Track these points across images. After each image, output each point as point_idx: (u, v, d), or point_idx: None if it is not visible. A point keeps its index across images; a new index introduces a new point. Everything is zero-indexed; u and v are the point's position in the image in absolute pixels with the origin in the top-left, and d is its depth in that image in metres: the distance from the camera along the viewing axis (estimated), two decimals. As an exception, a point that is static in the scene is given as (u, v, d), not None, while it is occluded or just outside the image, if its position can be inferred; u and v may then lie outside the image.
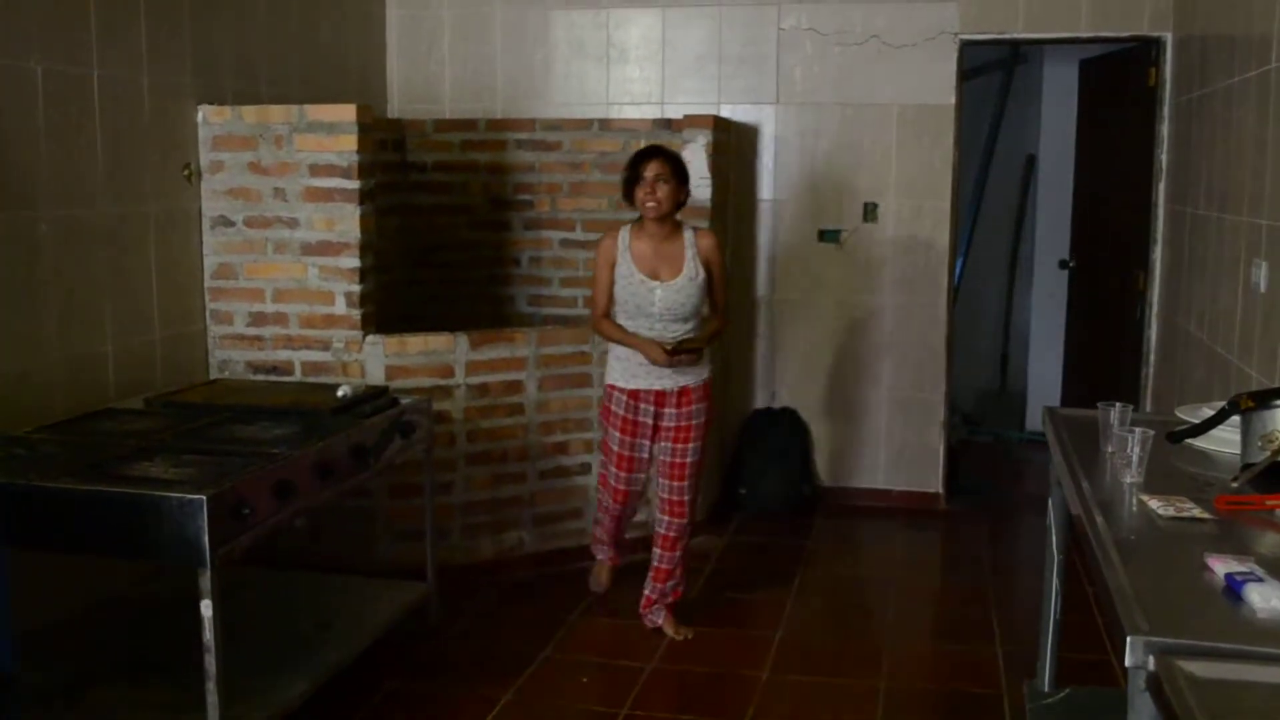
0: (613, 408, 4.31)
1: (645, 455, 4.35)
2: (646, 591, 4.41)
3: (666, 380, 4.23)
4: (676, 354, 4.14)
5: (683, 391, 4.25)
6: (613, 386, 4.30)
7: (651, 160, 4.12)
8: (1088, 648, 4.08)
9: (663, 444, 4.29)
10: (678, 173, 4.15)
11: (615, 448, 4.33)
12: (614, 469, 4.36)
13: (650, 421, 4.29)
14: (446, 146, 5.82)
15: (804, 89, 5.85)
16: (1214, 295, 4.44)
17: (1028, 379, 7.76)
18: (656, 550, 4.38)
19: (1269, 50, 3.79)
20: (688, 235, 4.23)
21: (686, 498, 4.32)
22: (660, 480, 4.34)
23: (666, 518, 4.34)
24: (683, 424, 4.27)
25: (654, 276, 4.16)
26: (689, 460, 4.29)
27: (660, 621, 4.37)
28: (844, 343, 5.99)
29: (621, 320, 4.23)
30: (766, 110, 5.91)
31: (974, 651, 4.27)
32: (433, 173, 5.83)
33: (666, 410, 4.26)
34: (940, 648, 4.42)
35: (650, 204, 4.11)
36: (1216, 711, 1.54)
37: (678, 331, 4.19)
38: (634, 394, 4.26)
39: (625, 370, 4.26)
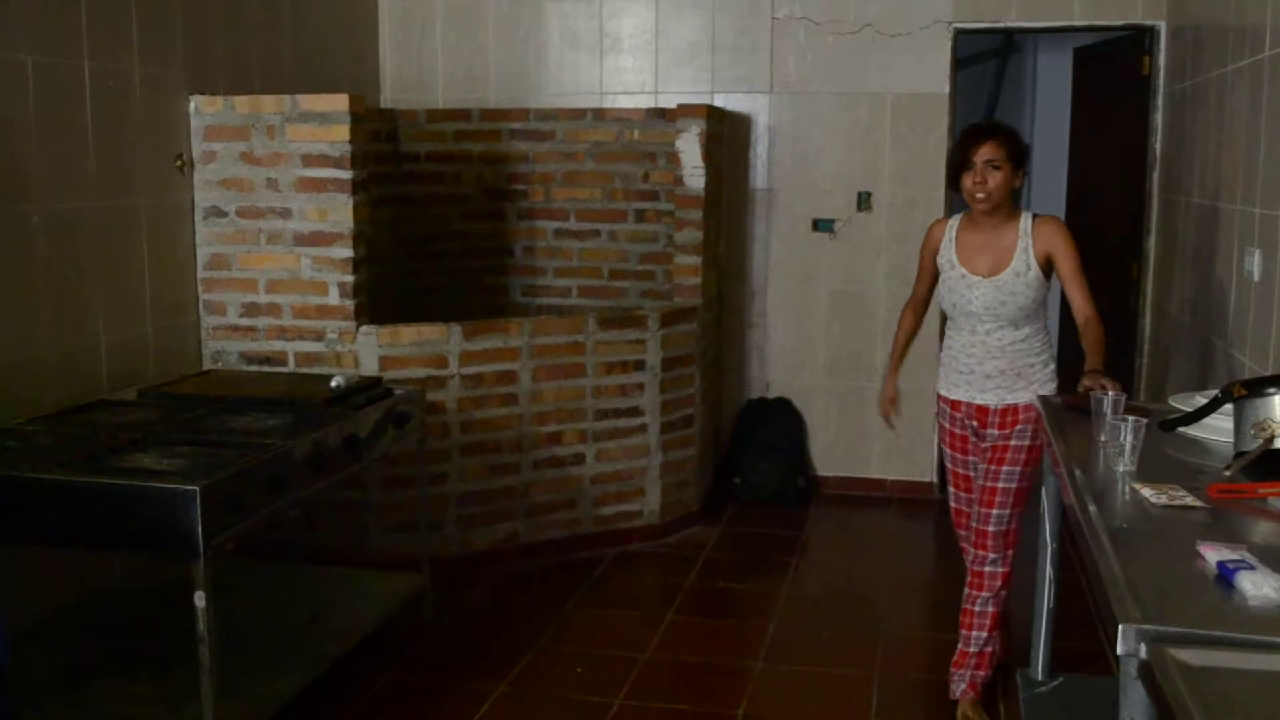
0: (940, 420, 3.83)
1: (975, 477, 3.73)
2: (960, 646, 3.78)
3: (990, 394, 3.62)
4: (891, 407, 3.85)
5: (1008, 410, 3.61)
6: (938, 395, 3.81)
7: (984, 143, 3.49)
8: (1081, 636, 4.08)
9: (981, 466, 3.68)
10: (1014, 155, 3.52)
11: (949, 465, 3.81)
12: (951, 489, 3.83)
13: (973, 435, 3.71)
14: (440, 136, 5.80)
15: (798, 78, 5.85)
16: (1207, 284, 4.44)
17: (1022, 368, 7.77)
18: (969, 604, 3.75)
19: (1262, 39, 3.78)
20: (1024, 223, 3.56)
21: (992, 528, 3.59)
22: (967, 525, 3.74)
23: (973, 551, 3.68)
24: (1000, 444, 3.61)
25: (976, 271, 3.58)
26: (1000, 485, 3.58)
27: (957, 695, 3.75)
28: (838, 332, 5.99)
29: (950, 320, 3.76)
30: (760, 99, 5.90)
31: (968, 640, 4.27)
32: (426, 163, 5.81)
33: (988, 431, 3.64)
34: (934, 636, 4.42)
35: (980, 195, 3.50)
36: (1208, 699, 1.55)
37: (1005, 339, 3.57)
38: (955, 404, 3.72)
39: (945, 376, 3.76)
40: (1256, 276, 3.71)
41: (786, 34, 5.83)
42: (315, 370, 4.50)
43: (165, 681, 3.36)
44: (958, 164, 3.56)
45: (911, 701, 3.89)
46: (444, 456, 4.70)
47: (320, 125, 4.42)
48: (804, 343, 6.03)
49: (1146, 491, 2.44)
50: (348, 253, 4.47)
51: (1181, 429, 2.88)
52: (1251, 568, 1.95)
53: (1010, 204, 3.56)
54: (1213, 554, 2.04)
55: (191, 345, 4.57)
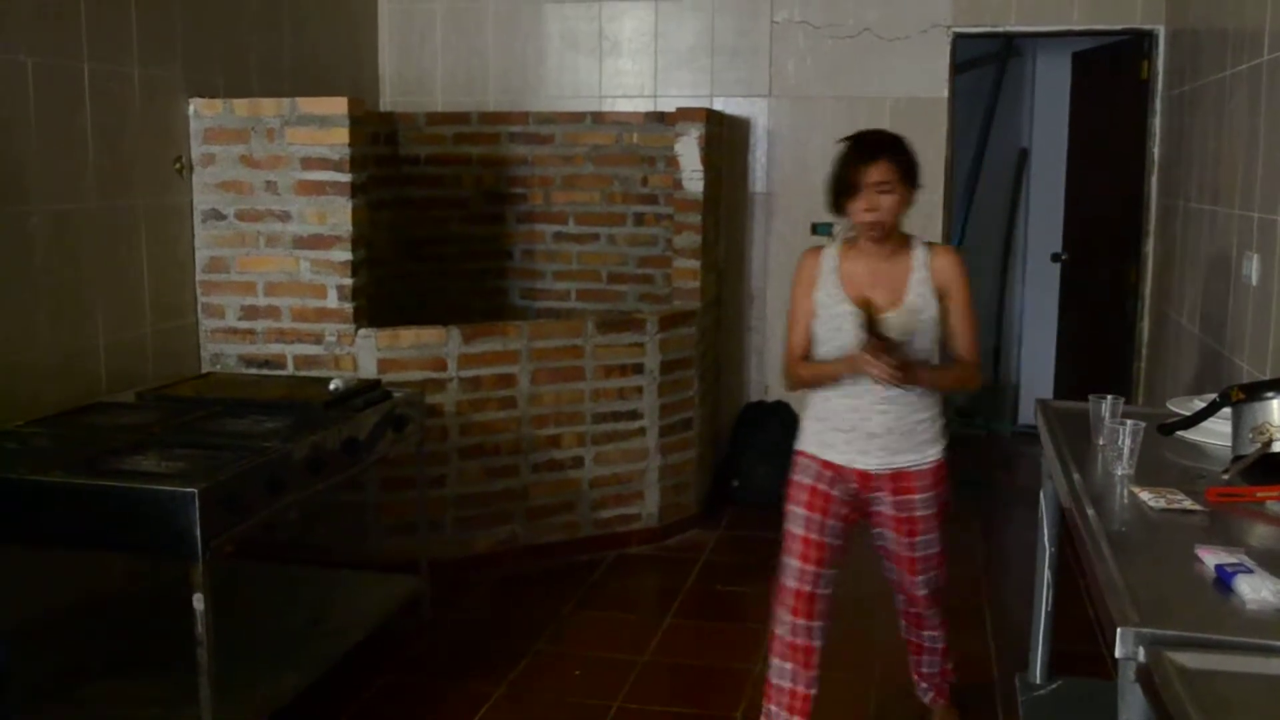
0: (796, 476, 3.22)
1: (839, 543, 3.21)
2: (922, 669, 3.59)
3: (873, 458, 3.13)
4: (878, 346, 2.94)
5: (899, 476, 3.15)
6: (800, 453, 3.24)
7: (873, 163, 2.97)
8: (1079, 639, 4.08)
9: (881, 532, 3.28)
10: (908, 173, 3.02)
11: (796, 529, 3.18)
12: (791, 561, 3.18)
13: (849, 500, 3.20)
14: (439, 139, 5.81)
15: (797, 82, 5.85)
16: (1205, 288, 4.45)
17: (1020, 372, 7.77)
18: (907, 627, 3.54)
19: (1261, 43, 3.79)
20: (918, 253, 3.09)
21: (924, 591, 3.34)
22: (887, 564, 3.38)
23: (903, 595, 3.41)
24: (903, 514, 3.19)
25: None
26: (919, 555, 3.25)
27: (927, 701, 3.60)
28: (837, 336, 5.98)
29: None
30: (759, 103, 5.91)
31: (966, 643, 4.26)
32: (425, 166, 5.82)
33: (875, 496, 3.20)
34: (932, 640, 4.43)
35: (870, 218, 3.00)
36: (1206, 702, 1.55)
37: (894, 390, 3.05)
38: (828, 465, 3.18)
39: (819, 436, 3.21)
40: (1255, 281, 3.71)
41: (786, 38, 5.83)
42: (314, 373, 4.50)
43: (164, 683, 3.35)
44: (843, 188, 3.02)
45: (909, 706, 3.88)
46: (443, 459, 4.70)
47: (319, 128, 4.42)
48: (803, 346, 6.02)
49: (1145, 495, 2.44)
50: (347, 256, 4.47)
51: (1180, 433, 2.89)
52: (1249, 571, 1.96)
53: (899, 229, 3.10)
54: (1211, 557, 2.04)
55: (190, 348, 4.57)
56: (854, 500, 3.21)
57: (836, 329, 3.08)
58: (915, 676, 3.60)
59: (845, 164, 3.04)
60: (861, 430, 3.12)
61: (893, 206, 3.00)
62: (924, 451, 3.17)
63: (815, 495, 3.17)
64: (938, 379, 3.14)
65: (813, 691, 3.23)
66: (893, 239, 3.09)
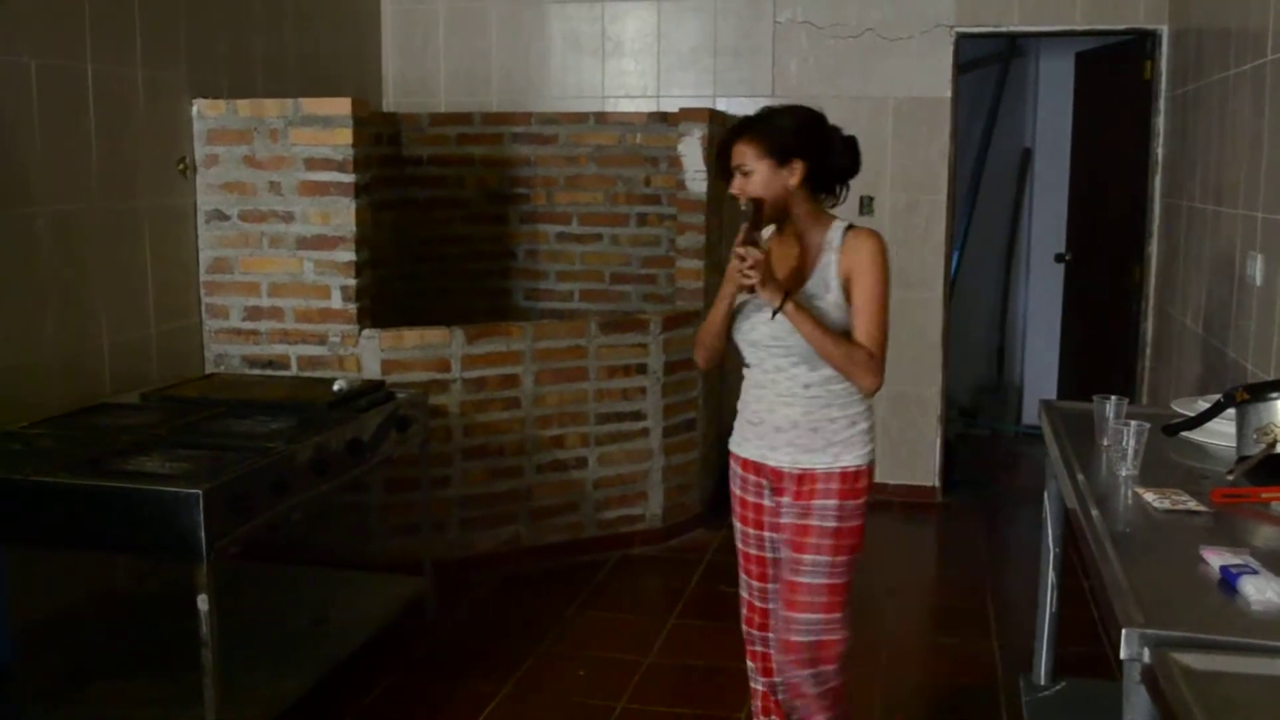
0: (731, 487, 3.04)
1: (776, 556, 2.96)
2: None
3: (782, 454, 2.86)
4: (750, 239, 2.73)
5: (804, 478, 2.84)
6: (730, 454, 3.04)
7: (732, 147, 2.82)
8: (1084, 640, 4.08)
9: (783, 550, 2.90)
10: (775, 148, 2.77)
11: (737, 542, 3.02)
12: (740, 574, 3.03)
13: (773, 505, 2.93)
14: (442, 140, 5.81)
15: (799, 82, 5.85)
16: (1209, 288, 4.44)
17: (1024, 373, 7.77)
18: (783, 692, 2.93)
19: (1265, 43, 3.79)
20: (833, 233, 2.83)
21: (798, 638, 2.80)
22: (774, 609, 2.95)
23: (779, 658, 2.88)
24: (799, 522, 2.83)
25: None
26: (803, 580, 2.81)
27: None
28: (840, 336, 5.98)
29: (745, 369, 2.99)
30: (762, 103, 5.87)
31: (970, 645, 4.27)
32: (428, 166, 5.82)
33: (784, 499, 2.88)
34: (936, 641, 4.43)
35: (742, 207, 2.83)
36: (1211, 704, 1.55)
37: (798, 381, 2.82)
38: (744, 464, 2.97)
39: (739, 430, 3.01)
40: (1259, 281, 3.71)
41: (788, 38, 5.83)
42: (318, 374, 4.50)
43: (168, 684, 3.36)
44: (721, 172, 2.86)
45: (914, 705, 3.89)
46: (446, 460, 4.70)
47: (323, 129, 4.42)
48: (806, 346, 6.02)
49: (1149, 496, 2.44)
50: (350, 256, 4.47)
51: (1184, 434, 2.88)
52: (1254, 572, 1.96)
53: (814, 208, 2.85)
54: (1215, 558, 2.04)
55: (194, 348, 4.58)
56: (773, 503, 2.92)
57: (744, 316, 2.87)
58: None
59: (718, 150, 2.89)
60: (769, 424, 2.88)
61: (759, 187, 2.77)
62: (834, 454, 2.83)
63: (745, 507, 2.98)
64: (821, 335, 2.72)
65: (783, 696, 2.96)
66: (801, 218, 2.84)
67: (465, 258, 5.89)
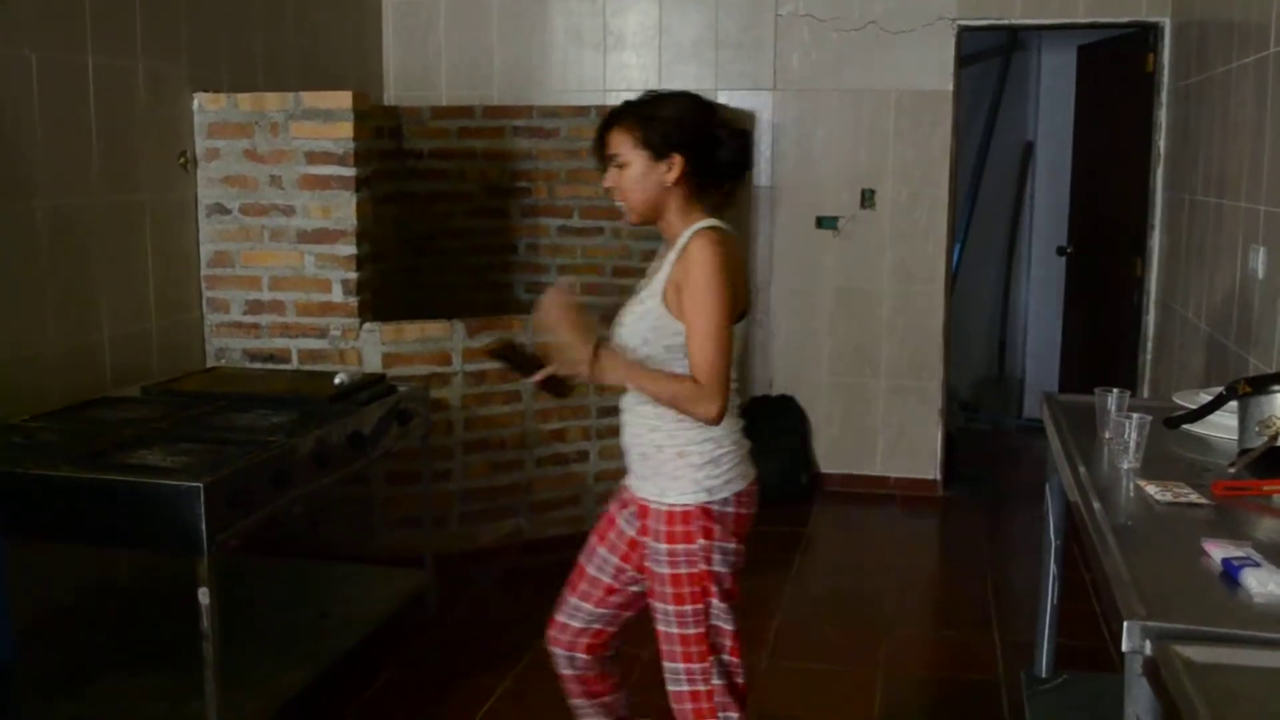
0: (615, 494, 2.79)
1: (608, 581, 2.72)
2: None
3: (632, 477, 2.63)
4: (503, 354, 2.71)
5: (642, 509, 2.58)
6: None
7: (607, 133, 2.56)
8: (1085, 634, 4.08)
9: (611, 560, 2.73)
10: (655, 140, 2.49)
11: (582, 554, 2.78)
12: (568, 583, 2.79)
13: (634, 535, 2.66)
14: (443, 133, 5.80)
15: (801, 75, 5.84)
16: (1212, 281, 4.44)
17: (1025, 366, 7.77)
18: None
19: (1267, 35, 3.78)
20: (684, 237, 2.50)
21: (671, 688, 2.60)
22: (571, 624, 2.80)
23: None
24: (646, 563, 2.59)
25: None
26: (659, 628, 2.59)
27: None
28: (841, 330, 5.98)
29: None
30: (764, 96, 5.90)
31: (971, 637, 4.28)
32: (429, 160, 5.81)
33: (637, 534, 2.64)
34: (938, 634, 4.43)
35: (618, 204, 2.57)
36: (1213, 696, 1.55)
37: (632, 402, 2.62)
38: (626, 485, 2.70)
39: None
40: (1261, 274, 3.71)
41: (790, 31, 5.82)
42: (319, 367, 4.50)
43: (170, 677, 3.36)
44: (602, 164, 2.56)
45: (915, 699, 3.89)
46: (447, 453, 4.70)
47: (324, 122, 4.42)
48: (807, 340, 6.03)
49: (1151, 489, 2.44)
50: (351, 250, 4.47)
51: (1186, 426, 2.88)
52: (1256, 565, 1.95)
53: (688, 208, 2.54)
54: (1218, 551, 2.04)
55: (195, 342, 4.58)
56: (638, 535, 2.63)
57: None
58: None
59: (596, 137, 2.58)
60: (626, 435, 2.63)
61: (630, 182, 2.50)
62: (660, 488, 2.52)
63: (604, 517, 2.73)
64: (637, 380, 2.49)
65: (577, 702, 2.83)
66: (675, 221, 2.54)
67: (466, 251, 5.88)
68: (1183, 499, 2.38)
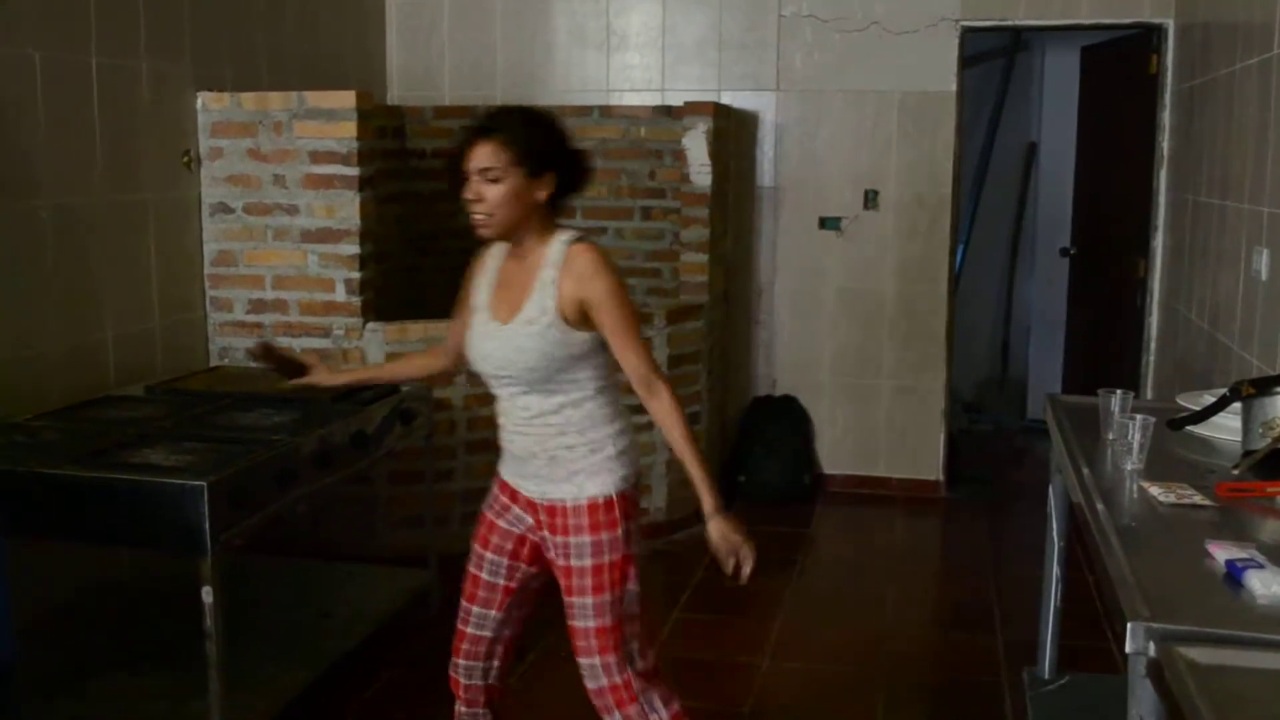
0: (484, 504, 2.81)
1: (503, 583, 2.76)
2: None
3: (531, 483, 2.64)
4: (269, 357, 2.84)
5: (553, 511, 2.62)
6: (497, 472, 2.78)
7: (475, 145, 2.53)
8: (1088, 635, 4.08)
9: (506, 566, 2.77)
10: (527, 156, 2.52)
11: (469, 564, 2.82)
12: (462, 601, 2.82)
13: (520, 530, 2.72)
14: (446, 133, 5.79)
15: (805, 76, 5.84)
16: (1215, 282, 4.43)
17: (1028, 367, 7.76)
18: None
19: (1271, 37, 3.78)
20: (554, 250, 2.56)
21: (589, 683, 2.67)
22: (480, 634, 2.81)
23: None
24: (561, 563, 2.63)
25: (496, 315, 2.63)
26: (577, 624, 2.64)
27: None
28: (844, 330, 5.98)
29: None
30: (767, 97, 5.89)
31: (974, 639, 4.27)
32: (432, 160, 5.81)
33: (544, 534, 2.67)
34: (940, 635, 4.43)
35: (479, 217, 2.57)
36: (1217, 698, 1.54)
37: (531, 410, 2.58)
38: (504, 486, 2.74)
39: (502, 450, 2.74)
40: (1265, 275, 3.70)
41: (794, 31, 5.82)
42: (322, 367, 4.50)
43: (172, 677, 3.36)
44: (455, 175, 2.58)
45: (917, 700, 3.89)
46: (450, 453, 4.70)
47: (327, 122, 4.42)
48: (810, 340, 6.03)
49: (1155, 490, 2.43)
50: (354, 249, 4.47)
51: (1189, 428, 2.87)
52: (1260, 566, 1.95)
53: (547, 224, 2.59)
54: (1221, 553, 2.03)
55: (198, 341, 4.58)
56: (528, 533, 2.71)
57: (469, 338, 2.68)
58: None
59: (457, 146, 2.57)
60: (513, 452, 2.66)
61: (501, 198, 2.51)
62: (578, 485, 2.58)
63: (482, 524, 2.77)
64: (701, 480, 2.63)
65: None
66: (530, 235, 2.59)
67: (469, 251, 5.85)
68: (1186, 500, 2.37)
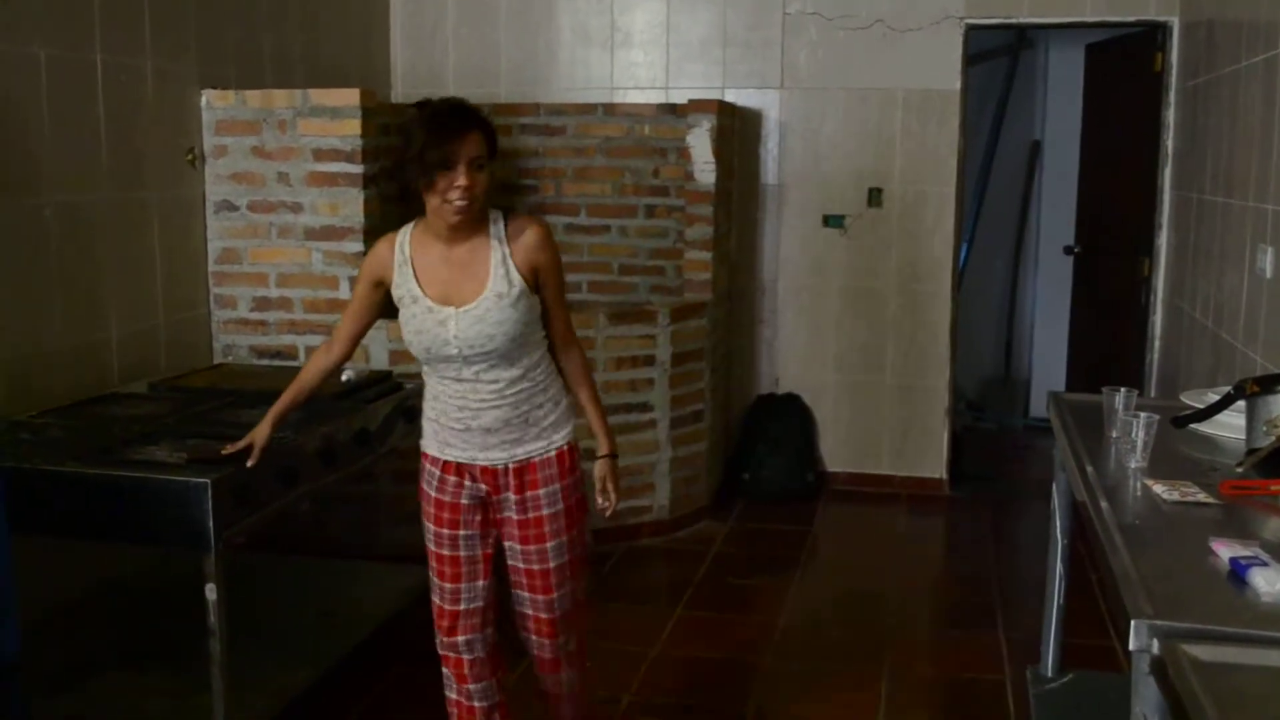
0: (422, 482, 2.91)
1: (480, 552, 2.90)
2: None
3: (496, 452, 2.80)
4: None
5: (523, 470, 2.82)
6: (424, 454, 2.92)
7: (469, 135, 2.62)
8: (1091, 633, 4.08)
9: (509, 545, 2.90)
10: (494, 148, 2.71)
11: (429, 544, 2.92)
12: (432, 577, 2.92)
13: (479, 503, 2.88)
14: (450, 131, 5.80)
15: (809, 73, 5.84)
16: (1219, 281, 4.43)
17: (1032, 365, 7.76)
18: (541, 675, 3.06)
19: (1276, 35, 3.77)
20: (494, 227, 2.75)
21: (558, 612, 2.91)
22: (517, 593, 2.94)
23: (535, 638, 2.96)
24: (529, 516, 2.83)
25: (446, 301, 2.72)
26: (551, 565, 2.86)
27: None
28: (848, 329, 5.98)
29: (426, 372, 2.87)
30: (771, 95, 5.89)
31: (977, 637, 4.27)
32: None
33: (504, 497, 2.85)
34: (944, 633, 4.43)
35: (461, 203, 2.64)
36: (1221, 695, 1.54)
37: (502, 381, 2.75)
38: (447, 466, 2.85)
39: (438, 435, 2.87)
40: (1269, 273, 3.70)
41: (798, 29, 5.82)
42: (326, 364, 4.50)
43: (176, 674, 3.37)
44: (431, 163, 2.61)
45: (920, 698, 3.89)
46: (454, 451, 4.70)
47: (331, 119, 4.42)
48: (814, 338, 6.03)
49: (1159, 488, 2.44)
50: (358, 247, 4.47)
51: (1194, 425, 2.87)
52: (1264, 564, 1.95)
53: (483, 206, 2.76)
54: (1225, 550, 2.03)
55: (202, 339, 4.58)
56: (485, 502, 2.87)
57: (418, 330, 2.75)
58: None
59: (435, 136, 2.60)
60: (476, 428, 2.78)
61: (486, 185, 2.67)
62: (549, 439, 2.84)
63: (441, 508, 2.86)
64: (602, 430, 3.02)
65: (481, 704, 2.96)
66: (478, 213, 2.73)
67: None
68: (1190, 498, 2.38)
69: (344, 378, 3.89)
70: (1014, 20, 5.73)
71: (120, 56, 4.03)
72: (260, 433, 3.06)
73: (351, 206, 4.46)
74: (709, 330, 5.35)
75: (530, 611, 2.91)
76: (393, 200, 5.40)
